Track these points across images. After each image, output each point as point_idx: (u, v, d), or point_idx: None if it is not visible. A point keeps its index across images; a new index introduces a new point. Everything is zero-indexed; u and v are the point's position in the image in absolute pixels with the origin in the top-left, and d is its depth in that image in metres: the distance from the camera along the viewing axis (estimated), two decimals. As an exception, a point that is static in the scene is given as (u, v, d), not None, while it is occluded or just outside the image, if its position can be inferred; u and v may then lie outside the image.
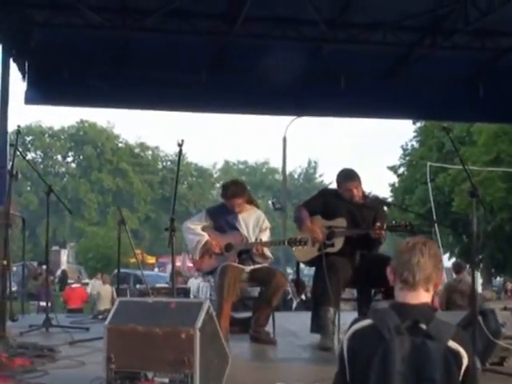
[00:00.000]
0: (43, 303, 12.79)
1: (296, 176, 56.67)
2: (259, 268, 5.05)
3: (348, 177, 4.98)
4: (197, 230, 5.15)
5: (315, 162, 57.09)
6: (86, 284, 18.96)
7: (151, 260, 35.34)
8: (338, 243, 4.89)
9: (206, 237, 5.11)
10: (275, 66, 6.76)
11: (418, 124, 24.52)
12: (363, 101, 7.49)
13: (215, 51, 7.13)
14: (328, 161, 76.20)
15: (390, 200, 20.97)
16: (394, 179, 26.07)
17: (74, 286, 17.69)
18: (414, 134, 25.35)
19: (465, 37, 6.89)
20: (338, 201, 5.00)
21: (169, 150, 50.26)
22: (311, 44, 7.00)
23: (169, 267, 23.55)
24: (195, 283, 15.50)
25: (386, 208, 5.65)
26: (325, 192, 5.55)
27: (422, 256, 2.08)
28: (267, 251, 5.07)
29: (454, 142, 4.41)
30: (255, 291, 5.25)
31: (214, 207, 5.54)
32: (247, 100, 7.42)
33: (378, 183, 58.37)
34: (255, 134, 79.79)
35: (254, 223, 5.16)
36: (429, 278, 2.08)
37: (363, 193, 5.03)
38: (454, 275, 9.23)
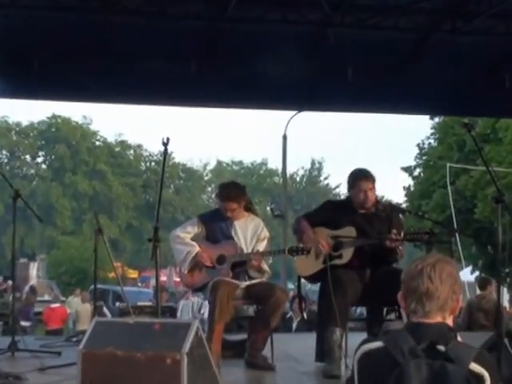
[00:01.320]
0: (24, 323, 12.86)
1: (298, 178, 56.76)
2: (256, 283, 5.05)
3: (363, 175, 5.00)
4: (186, 240, 5.16)
5: (319, 163, 57.22)
6: (63, 302, 18.97)
7: (133, 274, 35.47)
8: (347, 255, 4.88)
9: (196, 248, 5.11)
10: (274, 54, 6.77)
11: (436, 120, 24.56)
12: (373, 94, 7.50)
13: (206, 38, 7.14)
14: (334, 161, 76.54)
15: (404, 206, 20.99)
16: (409, 182, 26.12)
17: (53, 305, 17.74)
18: (432, 131, 25.38)
19: (488, 20, 6.91)
20: (345, 212, 5.00)
21: (153, 148, 50.29)
22: (314, 29, 7.00)
23: (152, 282, 23.50)
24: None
25: (401, 216, 5.64)
26: (329, 203, 5.54)
27: (431, 283, 2.05)
28: (264, 264, 5.06)
29: (476, 140, 4.41)
30: (251, 310, 5.25)
31: (206, 213, 5.55)
32: (242, 93, 7.42)
33: (391, 186, 58.43)
34: (251, 130, 79.79)
35: (251, 232, 5.16)
36: (443, 306, 2.07)
37: (376, 198, 5.02)
38: (479, 291, 9.21)
